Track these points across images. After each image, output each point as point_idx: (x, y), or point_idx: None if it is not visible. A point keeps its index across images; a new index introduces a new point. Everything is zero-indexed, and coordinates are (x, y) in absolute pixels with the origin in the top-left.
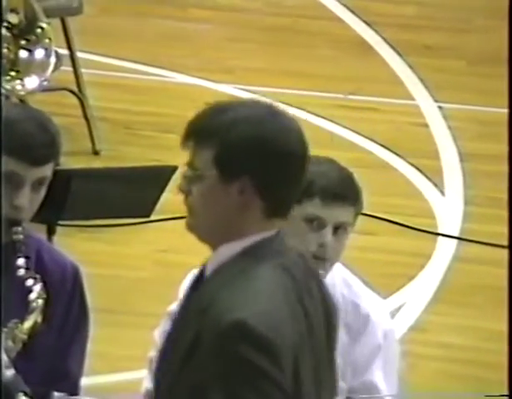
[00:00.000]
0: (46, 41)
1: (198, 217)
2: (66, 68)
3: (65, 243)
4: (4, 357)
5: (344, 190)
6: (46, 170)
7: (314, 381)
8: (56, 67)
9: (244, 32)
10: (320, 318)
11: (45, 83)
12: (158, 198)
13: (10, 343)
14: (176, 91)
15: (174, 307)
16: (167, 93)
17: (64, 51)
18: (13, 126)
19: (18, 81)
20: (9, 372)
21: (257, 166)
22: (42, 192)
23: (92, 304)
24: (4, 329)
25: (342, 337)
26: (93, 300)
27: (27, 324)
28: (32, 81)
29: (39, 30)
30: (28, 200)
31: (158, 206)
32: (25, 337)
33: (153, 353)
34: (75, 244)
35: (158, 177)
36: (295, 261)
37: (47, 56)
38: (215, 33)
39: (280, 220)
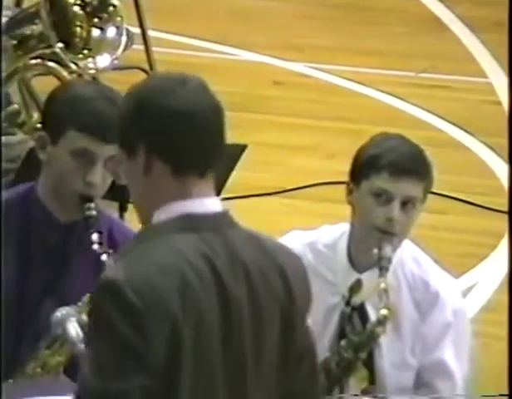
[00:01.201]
0: (118, 18)
1: (132, 198)
2: (138, 47)
3: (136, 220)
4: (80, 333)
5: (413, 165)
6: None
7: (229, 376)
8: (128, 46)
9: (315, 9)
10: (268, 313)
11: (116, 61)
12: (228, 176)
13: (84, 317)
14: (246, 69)
15: None
16: (236, 71)
17: (136, 30)
18: (86, 104)
19: (90, 59)
20: (82, 346)
21: (145, 133)
22: None
23: None
24: (79, 303)
25: (411, 313)
26: None
27: None
28: (103, 60)
29: (111, 8)
30: (101, 177)
31: (227, 184)
32: None
33: None
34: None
35: (227, 155)
36: (229, 243)
37: (119, 34)
38: (285, 11)
39: (195, 178)
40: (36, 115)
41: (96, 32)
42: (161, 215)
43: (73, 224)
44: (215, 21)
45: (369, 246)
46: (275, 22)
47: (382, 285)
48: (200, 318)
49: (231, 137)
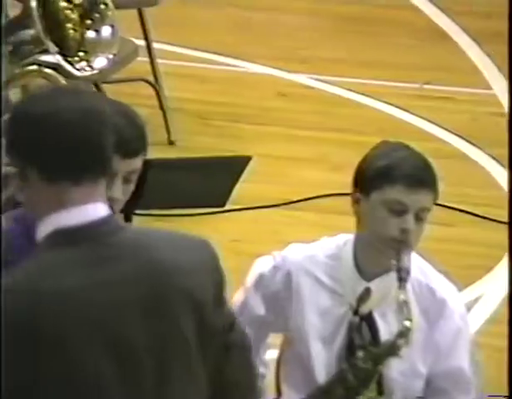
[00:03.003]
0: (110, 15)
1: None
2: (143, 59)
3: None
4: None
5: (426, 176)
6: (137, 162)
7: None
8: (132, 57)
9: (320, 20)
10: (164, 310)
11: (112, 61)
12: (232, 188)
13: None
14: (250, 81)
15: (239, 295)
16: (241, 83)
17: (140, 42)
18: None
19: (85, 63)
20: None
21: (11, 143)
22: (133, 184)
23: None
24: None
25: (419, 321)
26: None
27: None
28: (100, 61)
29: (102, 6)
30: (121, 192)
31: (231, 196)
32: None
33: None
34: None
35: (232, 167)
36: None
37: (113, 34)
38: (291, 22)
39: (69, 186)
40: None
41: (90, 34)
42: (41, 230)
43: None
44: (220, 33)
45: (378, 254)
46: (280, 34)
47: (402, 297)
48: (62, 334)
49: (235, 149)
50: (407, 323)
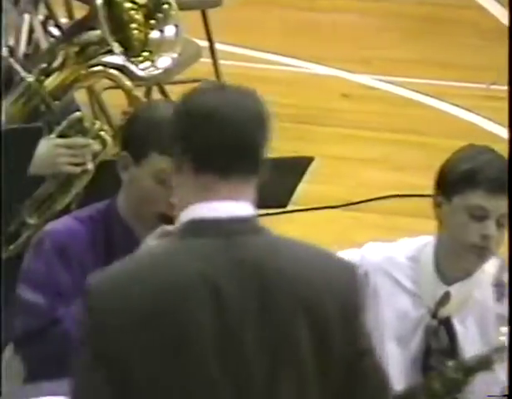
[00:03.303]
0: (173, 14)
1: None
2: (205, 60)
3: None
4: None
5: (506, 180)
6: None
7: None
8: (194, 58)
9: (384, 21)
10: (283, 324)
11: (176, 61)
12: (294, 188)
13: None
14: (314, 83)
15: None
16: (305, 84)
17: (203, 43)
18: (163, 126)
19: (149, 63)
20: None
21: (177, 133)
22: None
23: None
24: None
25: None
26: None
27: None
28: (163, 61)
29: (166, 6)
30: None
31: (293, 197)
32: None
33: None
34: None
35: (294, 168)
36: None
37: (177, 33)
38: (357, 24)
39: (215, 179)
40: (98, 124)
41: (154, 34)
42: (180, 220)
43: None
44: (284, 34)
45: (459, 259)
46: (345, 35)
47: (499, 311)
48: (177, 321)
49: (298, 150)
50: (504, 339)
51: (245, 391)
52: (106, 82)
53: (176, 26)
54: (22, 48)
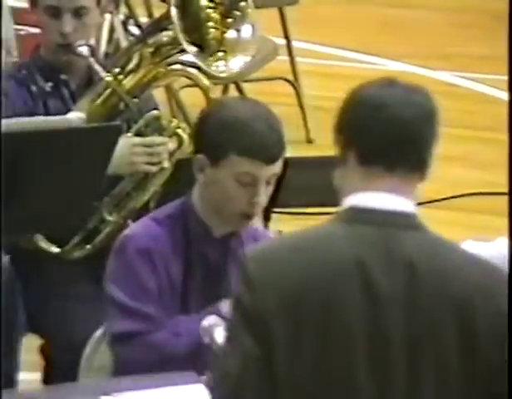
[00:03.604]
0: (249, 11)
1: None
2: (283, 57)
3: (281, 229)
4: None
5: None
6: (277, 167)
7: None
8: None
9: (465, 17)
10: (433, 320)
11: (248, 64)
12: None
13: None
14: None
15: None
16: None
17: (281, 41)
18: (245, 126)
19: (223, 62)
20: None
21: (344, 123)
22: (271, 188)
23: None
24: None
25: None
26: None
27: None
28: (237, 62)
29: (243, 3)
30: (264, 196)
31: None
32: None
33: None
34: (289, 231)
35: None
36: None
37: (253, 34)
38: (436, 20)
39: (380, 171)
40: (175, 122)
41: (231, 33)
42: (344, 204)
43: (227, 237)
44: (361, 31)
45: None
46: (423, 32)
47: None
48: (328, 303)
49: None
50: None
51: (386, 382)
52: (184, 81)
53: (253, 25)
54: (103, 47)
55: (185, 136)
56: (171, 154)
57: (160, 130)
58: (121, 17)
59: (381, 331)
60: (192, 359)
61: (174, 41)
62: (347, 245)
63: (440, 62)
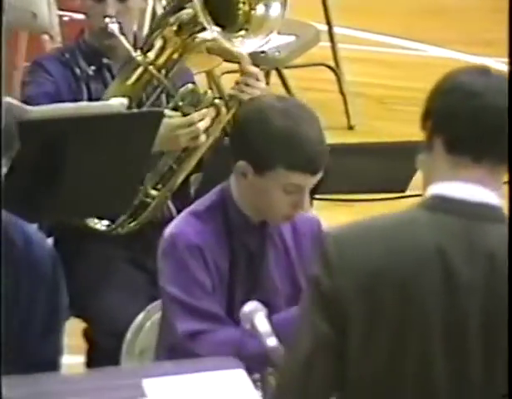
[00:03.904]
0: None
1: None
2: (324, 43)
3: (322, 216)
4: (268, 327)
5: None
6: (321, 173)
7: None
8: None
9: (502, 2)
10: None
11: (263, 45)
12: (413, 174)
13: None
14: (432, 65)
15: None
16: (423, 67)
17: (322, 27)
18: (292, 140)
19: (240, 39)
20: (270, 340)
21: (433, 109)
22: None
23: None
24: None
25: None
26: None
27: None
28: (253, 43)
29: None
30: (307, 203)
31: (412, 182)
32: None
33: None
34: (332, 217)
35: (414, 153)
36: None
37: (281, 13)
38: (475, 5)
39: (467, 162)
40: (210, 93)
41: (259, 9)
42: (429, 192)
43: (265, 223)
44: (402, 16)
45: None
46: (467, 18)
47: None
48: (407, 289)
49: (416, 133)
50: None
51: (462, 371)
52: (225, 66)
53: (282, 3)
54: (145, 32)
55: (223, 106)
56: (210, 124)
57: (197, 103)
58: (164, 2)
59: (459, 320)
60: (259, 362)
61: (195, 19)
62: (430, 233)
63: (484, 48)
